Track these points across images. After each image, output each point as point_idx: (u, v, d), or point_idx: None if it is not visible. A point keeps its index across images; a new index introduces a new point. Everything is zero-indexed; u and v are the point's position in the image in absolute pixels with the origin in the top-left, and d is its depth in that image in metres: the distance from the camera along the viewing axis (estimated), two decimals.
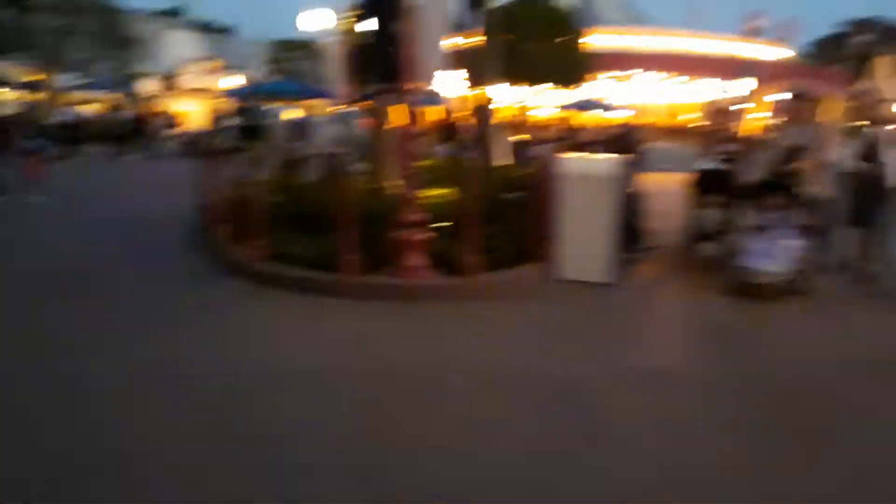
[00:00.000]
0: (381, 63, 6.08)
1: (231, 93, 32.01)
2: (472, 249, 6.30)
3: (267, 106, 14.63)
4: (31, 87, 29.93)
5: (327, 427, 3.80)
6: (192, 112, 39.49)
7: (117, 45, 29.15)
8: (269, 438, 3.65)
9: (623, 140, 10.89)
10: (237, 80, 40.27)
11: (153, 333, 5.14)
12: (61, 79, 29.50)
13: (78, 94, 31.60)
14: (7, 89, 30.31)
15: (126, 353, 4.74)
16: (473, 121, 11.48)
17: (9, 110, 22.88)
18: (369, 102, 8.43)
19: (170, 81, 39.17)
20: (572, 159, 7.03)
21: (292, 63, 47.98)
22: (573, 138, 12.99)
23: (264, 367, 4.58)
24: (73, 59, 28.41)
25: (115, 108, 26.83)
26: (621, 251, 6.80)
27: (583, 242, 6.62)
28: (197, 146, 22.55)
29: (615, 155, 7.29)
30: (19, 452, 3.41)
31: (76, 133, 20.22)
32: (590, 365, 4.75)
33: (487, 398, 4.21)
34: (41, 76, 28.61)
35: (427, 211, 6.46)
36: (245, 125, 11.12)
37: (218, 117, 23.48)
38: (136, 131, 22.16)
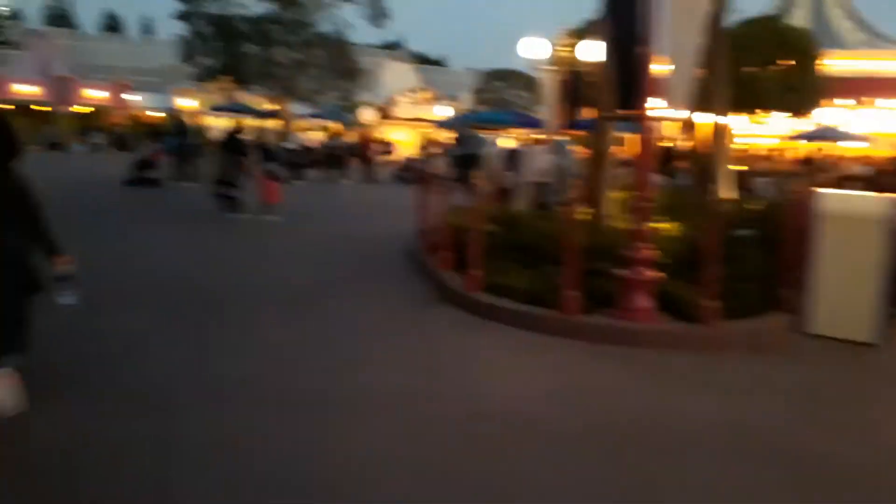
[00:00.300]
0: (618, 89, 5.68)
1: (443, 122, 33.36)
2: (707, 293, 5.64)
3: (483, 135, 14.88)
4: (268, 115, 33.35)
5: (553, 485, 3.42)
6: (405, 140, 41.89)
7: (343, 77, 31.51)
8: (503, 491, 3.34)
9: (891, 176, 9.49)
10: (447, 110, 41.97)
11: (368, 356, 5.12)
12: (293, 108, 32.56)
13: (305, 122, 34.77)
14: (248, 117, 34.14)
15: (346, 375, 4.71)
16: (695, 149, 10.66)
17: (248, 136, 25.66)
18: (583, 132, 8.01)
19: (386, 110, 41.84)
20: (833, 196, 6.10)
21: (500, 93, 48.80)
22: (820, 172, 11.61)
23: (476, 405, 4.32)
24: (304, 89, 31.12)
25: (336, 135, 29.04)
26: (890, 306, 5.76)
27: (842, 293, 5.70)
28: (411, 172, 23.71)
29: (884, 193, 6.23)
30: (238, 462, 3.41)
31: (300, 158, 22.02)
32: (853, 444, 3.95)
33: (734, 475, 3.60)
34: (277, 105, 31.76)
35: (655, 248, 5.93)
36: (462, 153, 11.25)
37: (434, 145, 24.37)
38: (354, 157, 23.66)
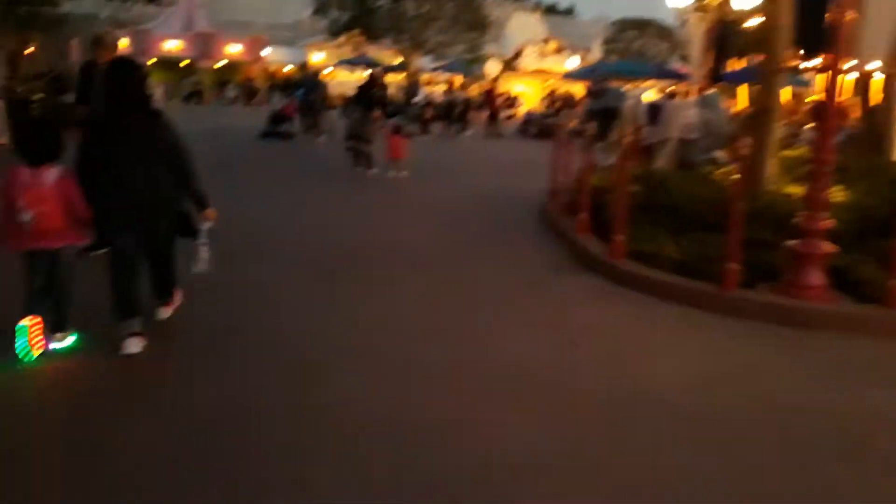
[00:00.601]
0: (800, 35, 4.92)
1: (573, 74, 32.14)
2: (893, 270, 4.88)
3: (621, 87, 14.01)
4: (397, 69, 33.40)
5: (718, 485, 2.99)
6: (529, 93, 40.84)
7: (471, 29, 30.93)
8: (664, 487, 2.96)
9: None
10: (575, 61, 40.39)
11: (500, 327, 4.80)
12: (421, 61, 32.46)
13: (430, 76, 34.58)
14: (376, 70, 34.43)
15: (477, 346, 4.43)
16: (866, 105, 9.46)
17: (382, 90, 25.71)
18: (735, 83, 7.15)
19: (511, 63, 40.88)
20: None
21: (633, 43, 46.39)
22: None
23: (621, 386, 3.90)
24: (431, 41, 30.86)
25: (459, 88, 28.65)
26: None
27: None
28: (536, 127, 23.02)
29: None
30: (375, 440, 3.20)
31: (425, 112, 21.83)
32: None
33: None
34: (404, 59, 31.76)
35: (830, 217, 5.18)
36: (599, 107, 10.55)
37: (562, 98, 23.44)
38: (478, 111, 23.18)
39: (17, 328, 3.57)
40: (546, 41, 42.87)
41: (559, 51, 42.81)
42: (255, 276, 5.62)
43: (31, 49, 39.05)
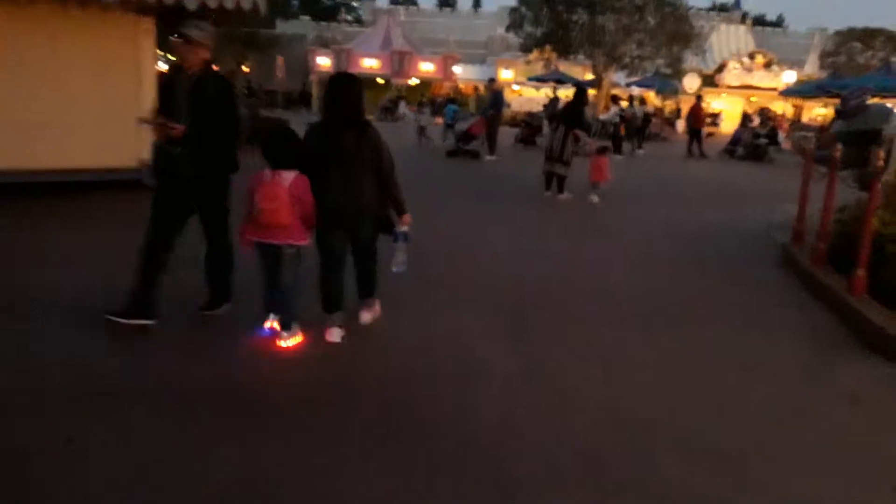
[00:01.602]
0: None
1: (791, 91, 28.96)
2: None
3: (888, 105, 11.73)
4: (590, 85, 31.99)
5: None
6: (728, 110, 37.58)
7: (673, 42, 28.77)
8: None
9: None
10: (791, 77, 36.59)
11: (777, 434, 3.47)
12: (614, 77, 30.79)
13: (623, 91, 32.73)
14: (567, 86, 33.15)
15: (758, 474, 3.14)
16: None
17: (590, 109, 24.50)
18: None
19: (713, 77, 37.84)
20: None
21: (856, 56, 41.24)
22: None
23: None
24: (629, 56, 29.10)
25: (640, 103, 26.54)
26: None
27: None
28: (747, 148, 20.62)
29: None
30: None
31: (615, 129, 20.23)
32: None
33: None
34: (596, 74, 30.24)
35: None
36: (853, 129, 8.64)
37: (775, 116, 20.82)
38: (673, 128, 21.20)
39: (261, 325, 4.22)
40: (753, 55, 39.43)
41: (767, 65, 39.17)
42: (430, 307, 4.90)
43: (247, 68, 42.68)
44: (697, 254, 7.42)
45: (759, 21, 57.26)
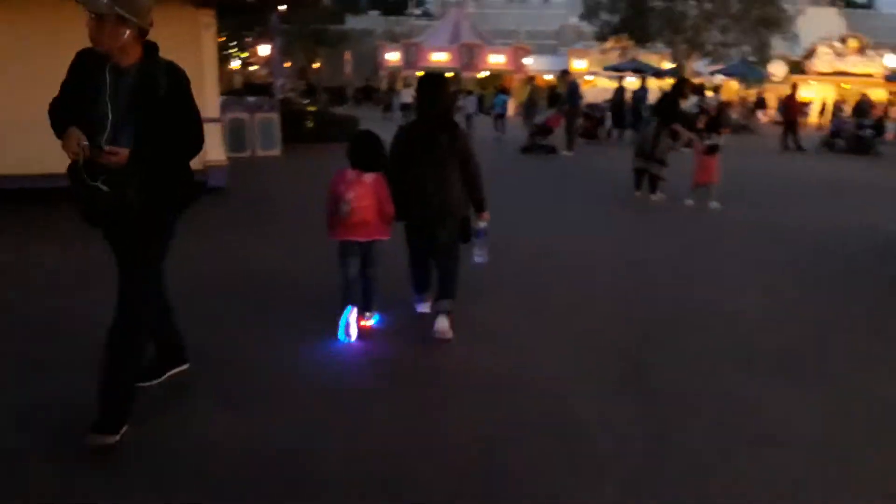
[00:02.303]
0: None
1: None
2: None
3: None
4: (669, 73, 30.39)
5: None
6: (818, 99, 35.18)
7: (759, 26, 26.97)
8: None
9: None
10: (891, 60, 34.00)
11: None
12: (696, 65, 29.15)
13: (705, 80, 30.96)
14: (646, 76, 31.61)
15: None
16: None
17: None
18: None
19: (802, 64, 35.53)
20: None
21: None
22: None
23: None
24: (711, 42, 27.46)
25: (714, 91, 24.85)
26: None
27: None
28: (850, 140, 18.92)
29: None
30: None
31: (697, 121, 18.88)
32: None
33: None
34: (677, 63, 28.71)
35: None
36: None
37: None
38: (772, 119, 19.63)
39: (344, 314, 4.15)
40: (845, 39, 36.82)
41: (861, 50, 36.51)
42: (516, 338, 4.18)
43: (317, 64, 42.76)
44: (830, 270, 6.37)
45: (848, 3, 53.64)
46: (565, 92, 16.53)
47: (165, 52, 9.15)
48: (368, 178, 4.02)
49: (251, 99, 13.69)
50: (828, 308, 5.22)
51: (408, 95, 29.48)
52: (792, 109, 19.91)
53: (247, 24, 29.50)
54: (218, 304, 4.75)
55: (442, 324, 4.21)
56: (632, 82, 19.75)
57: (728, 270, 6.17)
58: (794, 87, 20.75)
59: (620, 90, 19.25)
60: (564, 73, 17.81)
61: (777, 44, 31.12)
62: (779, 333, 4.60)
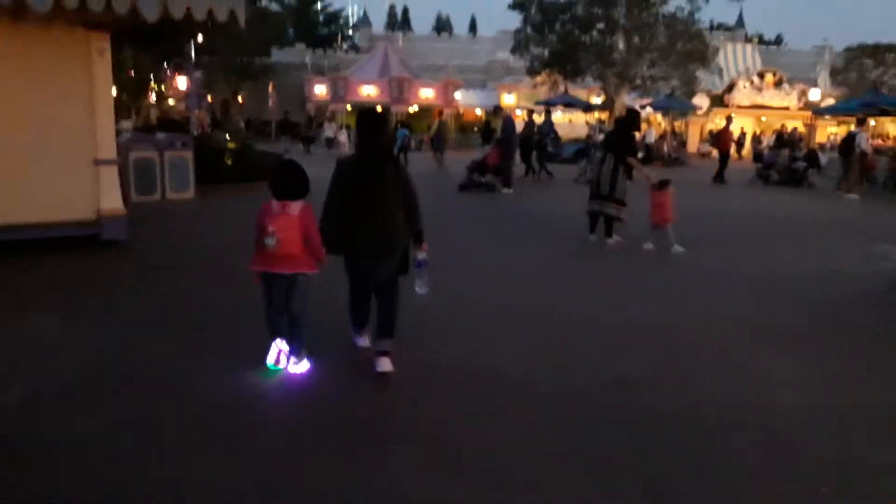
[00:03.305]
0: None
1: (827, 110, 27.50)
2: None
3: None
4: (600, 108, 30.44)
5: None
6: (746, 129, 36.10)
7: (687, 61, 27.29)
8: None
9: None
10: (815, 94, 35.28)
11: None
12: (626, 99, 29.25)
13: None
14: (576, 111, 31.60)
15: None
16: None
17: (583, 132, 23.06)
18: None
19: (724, 97, 36.44)
20: None
21: (868, 73, 39.89)
22: None
23: None
24: (641, 77, 27.60)
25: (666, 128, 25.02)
26: None
27: None
28: (783, 172, 18.94)
29: None
30: None
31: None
32: None
33: None
34: (607, 96, 28.76)
35: None
36: None
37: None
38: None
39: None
40: (762, 74, 38.09)
41: (777, 83, 37.85)
42: (476, 445, 3.07)
43: (241, 97, 41.24)
44: (834, 327, 5.61)
45: (759, 40, 55.97)
46: (501, 127, 15.80)
47: (50, 81, 7.61)
48: (295, 208, 3.97)
49: (161, 135, 12.30)
50: (872, 391, 4.41)
51: (330, 130, 28.65)
52: (726, 142, 19.88)
53: (163, 54, 27.97)
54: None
55: (384, 364, 4.14)
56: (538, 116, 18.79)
57: (731, 335, 5.26)
58: (729, 119, 20.76)
59: (531, 124, 18.44)
60: (498, 109, 17.06)
61: (703, 77, 31.73)
62: (835, 438, 3.71)
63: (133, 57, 31.55)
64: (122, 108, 37.91)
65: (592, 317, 5.57)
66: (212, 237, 8.39)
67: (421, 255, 4.31)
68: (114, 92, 28.17)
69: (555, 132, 22.44)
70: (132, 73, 33.17)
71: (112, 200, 7.53)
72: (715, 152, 22.65)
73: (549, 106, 24.94)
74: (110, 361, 4.32)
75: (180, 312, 5.39)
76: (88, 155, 7.37)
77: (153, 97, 35.87)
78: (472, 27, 74.59)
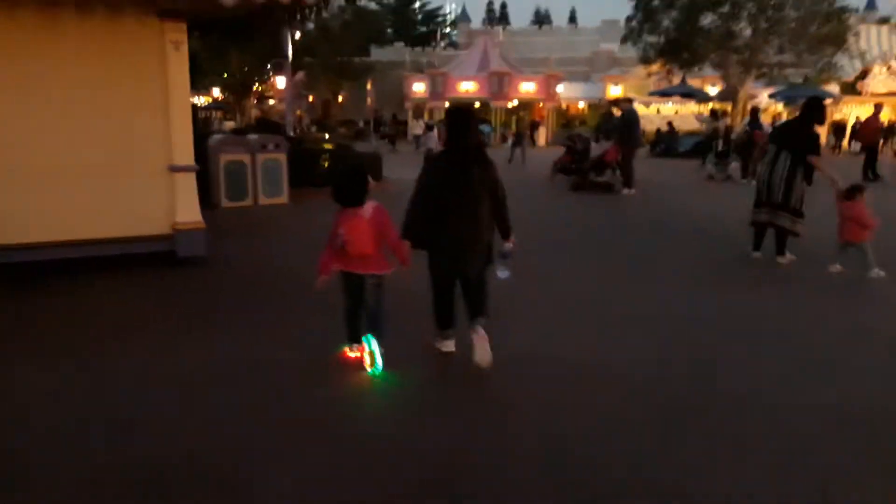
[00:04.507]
0: None
1: None
2: None
3: None
4: (718, 97, 28.00)
5: None
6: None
7: (820, 44, 24.45)
8: None
9: None
10: None
11: None
12: (751, 88, 26.68)
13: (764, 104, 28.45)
14: (694, 101, 29.19)
15: None
16: None
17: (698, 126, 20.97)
18: None
19: (857, 84, 32.94)
20: None
21: None
22: None
23: None
24: (769, 63, 24.98)
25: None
26: None
27: None
28: None
29: None
30: None
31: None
32: None
33: None
34: (731, 86, 26.26)
35: None
36: None
37: None
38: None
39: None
40: None
41: None
42: None
43: (341, 97, 41.10)
44: None
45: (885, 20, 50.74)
46: (619, 120, 14.13)
47: (120, 80, 6.39)
48: (366, 211, 3.98)
49: (253, 137, 11.47)
50: None
51: (418, 127, 27.68)
52: (874, 134, 17.29)
53: (266, 54, 27.81)
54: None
55: (482, 347, 4.04)
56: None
57: None
58: (878, 107, 18.11)
59: (609, 115, 16.42)
60: (624, 101, 15.24)
61: (845, 63, 28.55)
62: None
63: (238, 58, 31.93)
64: (228, 109, 38.75)
65: (799, 406, 3.85)
66: (301, 253, 7.38)
67: (508, 247, 4.29)
68: (217, 93, 28.45)
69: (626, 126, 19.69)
70: (237, 74, 33.59)
71: (189, 212, 6.59)
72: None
73: (691, 97, 22.73)
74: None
75: (247, 365, 4.27)
76: (162, 161, 6.46)
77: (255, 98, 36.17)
78: (573, 19, 72.20)
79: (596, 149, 15.12)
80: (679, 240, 8.41)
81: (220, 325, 4.94)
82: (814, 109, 6.66)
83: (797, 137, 6.60)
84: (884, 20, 42.98)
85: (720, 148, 17.82)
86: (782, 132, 7.10)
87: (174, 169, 6.50)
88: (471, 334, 4.08)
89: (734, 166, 16.25)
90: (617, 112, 17.26)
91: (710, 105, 28.57)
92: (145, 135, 6.37)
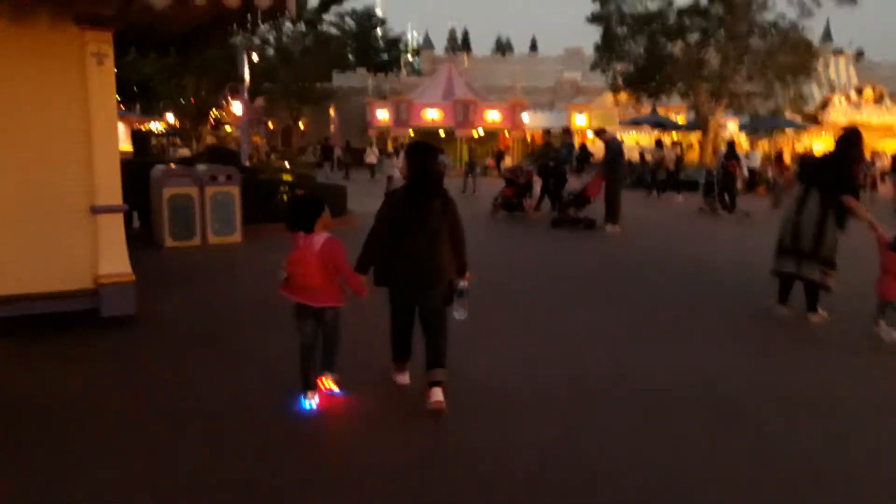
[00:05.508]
0: None
1: None
2: None
3: None
4: (686, 128, 27.71)
5: None
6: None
7: (788, 74, 24.28)
8: None
9: None
10: None
11: None
12: (721, 118, 26.39)
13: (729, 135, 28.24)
14: (664, 131, 28.84)
15: None
16: None
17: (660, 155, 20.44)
18: None
19: (818, 115, 33.16)
20: None
21: None
22: None
23: None
24: (738, 93, 24.70)
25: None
26: None
27: None
28: None
29: None
30: None
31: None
32: None
33: None
34: (701, 116, 25.94)
35: None
36: None
37: None
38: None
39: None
40: (860, 89, 34.59)
41: (878, 99, 34.27)
42: None
43: (303, 124, 39.96)
44: None
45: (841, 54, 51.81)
46: (605, 152, 13.28)
47: (23, 101, 4.91)
48: (317, 243, 3.94)
49: (202, 167, 10.27)
50: None
51: (372, 155, 26.72)
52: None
53: (223, 78, 26.57)
54: None
55: (437, 394, 4.01)
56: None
57: None
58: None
59: (569, 145, 15.75)
60: (598, 132, 14.47)
61: (810, 93, 28.56)
62: None
63: (195, 82, 30.61)
64: (185, 136, 37.25)
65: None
66: (252, 304, 6.24)
67: (463, 284, 4.30)
68: (172, 119, 27.04)
69: (575, 157, 18.60)
70: (193, 98, 32.23)
71: (115, 262, 5.41)
72: None
73: (662, 127, 22.33)
74: None
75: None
76: (83, 200, 5.29)
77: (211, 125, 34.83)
78: (534, 47, 72.34)
79: (574, 182, 14.26)
80: (672, 286, 7.50)
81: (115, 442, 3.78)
82: (850, 143, 5.81)
83: (831, 174, 5.72)
84: (838, 51, 43.70)
85: (662, 178, 17.57)
86: (813, 168, 6.21)
87: (97, 210, 5.33)
88: (427, 391, 4.03)
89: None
90: (578, 140, 16.66)
91: (674, 135, 28.22)
92: (60, 168, 5.20)
